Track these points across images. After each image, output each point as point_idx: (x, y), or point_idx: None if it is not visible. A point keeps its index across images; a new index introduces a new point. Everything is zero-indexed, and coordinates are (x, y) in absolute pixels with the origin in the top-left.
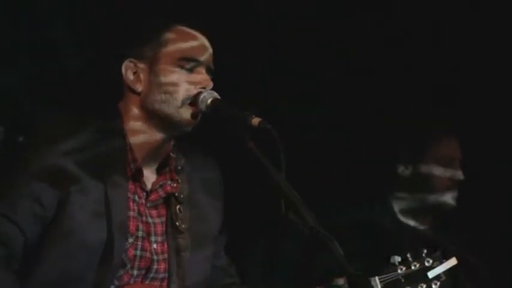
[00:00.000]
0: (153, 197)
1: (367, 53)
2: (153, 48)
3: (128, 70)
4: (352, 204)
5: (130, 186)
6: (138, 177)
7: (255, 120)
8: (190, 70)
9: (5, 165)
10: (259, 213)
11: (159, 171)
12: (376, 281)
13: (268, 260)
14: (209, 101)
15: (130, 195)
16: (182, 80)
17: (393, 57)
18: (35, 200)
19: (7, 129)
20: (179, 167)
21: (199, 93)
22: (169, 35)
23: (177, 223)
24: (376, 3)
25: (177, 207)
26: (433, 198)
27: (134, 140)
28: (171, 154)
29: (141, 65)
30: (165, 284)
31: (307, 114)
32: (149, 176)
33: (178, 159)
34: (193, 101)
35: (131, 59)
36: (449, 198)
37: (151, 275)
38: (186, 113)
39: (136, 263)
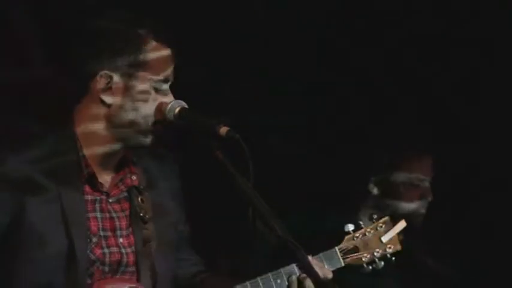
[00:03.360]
0: (114, 192)
1: (341, 69)
2: (130, 65)
3: (101, 81)
4: (322, 214)
5: (88, 189)
6: (92, 181)
7: (223, 130)
8: (160, 88)
9: None
10: (226, 222)
11: (118, 169)
12: (336, 251)
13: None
14: (176, 110)
15: (88, 196)
16: (154, 99)
17: (368, 72)
18: None
19: None
20: (134, 159)
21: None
22: (148, 54)
23: (141, 214)
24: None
25: (139, 198)
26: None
27: (88, 149)
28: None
29: (116, 79)
30: (135, 276)
31: (281, 124)
32: (107, 176)
33: (132, 154)
34: (161, 112)
35: (106, 71)
36: (416, 217)
37: (122, 268)
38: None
39: (107, 259)
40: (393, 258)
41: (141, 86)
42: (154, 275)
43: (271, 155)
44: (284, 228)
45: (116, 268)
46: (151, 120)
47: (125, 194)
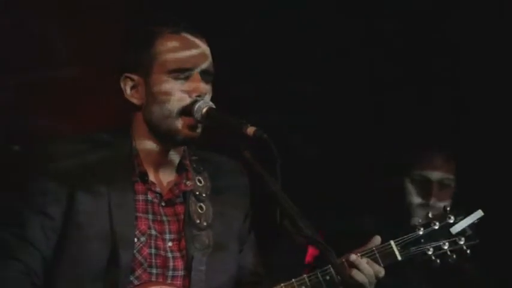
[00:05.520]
0: (167, 196)
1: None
2: (146, 60)
3: (126, 85)
4: (352, 215)
5: (140, 187)
6: (145, 179)
7: (250, 130)
8: (185, 79)
9: (8, 179)
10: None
11: (174, 174)
12: (392, 245)
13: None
14: (204, 110)
15: (140, 196)
16: (175, 89)
17: (386, 72)
18: (42, 212)
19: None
20: (201, 168)
21: (195, 102)
22: (160, 46)
23: (197, 221)
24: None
25: (198, 205)
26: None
27: (141, 148)
28: (185, 159)
29: (137, 78)
30: (187, 281)
31: (305, 124)
32: (162, 179)
33: (195, 161)
34: (188, 111)
35: (127, 74)
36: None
37: (170, 273)
38: (182, 124)
39: (153, 261)
40: (468, 251)
41: (157, 77)
42: (209, 281)
43: (300, 155)
44: (313, 229)
45: (164, 272)
46: (177, 114)
47: (181, 199)
